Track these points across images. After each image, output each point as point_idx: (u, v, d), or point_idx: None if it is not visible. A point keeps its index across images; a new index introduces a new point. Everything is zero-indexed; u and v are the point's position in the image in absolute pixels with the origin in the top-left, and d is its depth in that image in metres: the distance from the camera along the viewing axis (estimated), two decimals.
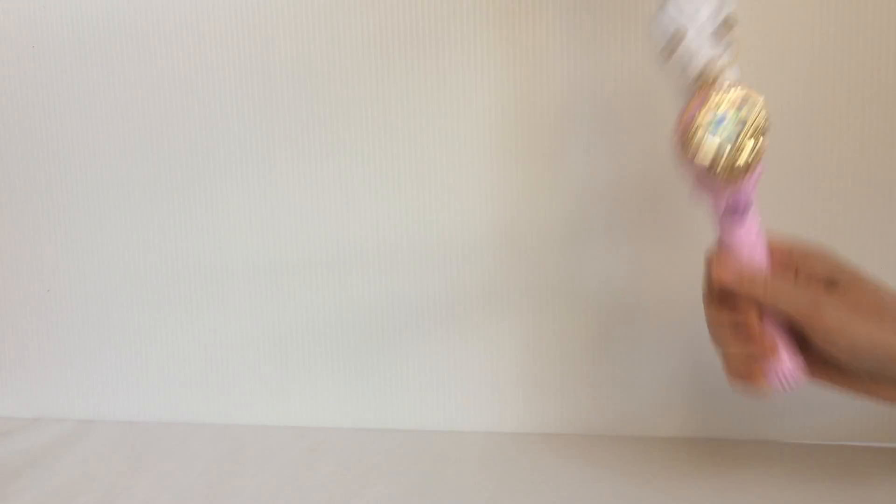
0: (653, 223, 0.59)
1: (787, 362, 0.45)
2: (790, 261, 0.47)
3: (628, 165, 0.59)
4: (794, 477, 0.47)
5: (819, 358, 0.45)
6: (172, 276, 0.65)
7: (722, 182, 0.43)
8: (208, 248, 0.64)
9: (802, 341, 0.45)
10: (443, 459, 0.59)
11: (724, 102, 0.41)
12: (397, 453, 0.60)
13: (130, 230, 0.65)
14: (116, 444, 0.64)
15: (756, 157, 0.42)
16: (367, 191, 0.62)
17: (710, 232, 0.60)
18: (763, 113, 0.41)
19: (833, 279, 0.46)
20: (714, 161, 0.41)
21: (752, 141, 0.41)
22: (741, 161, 0.41)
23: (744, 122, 0.41)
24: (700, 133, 0.41)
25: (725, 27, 0.41)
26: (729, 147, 0.41)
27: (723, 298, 0.46)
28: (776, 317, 0.45)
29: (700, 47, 0.41)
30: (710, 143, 0.41)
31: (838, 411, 0.60)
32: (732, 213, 0.45)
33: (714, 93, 0.41)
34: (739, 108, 0.41)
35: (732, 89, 0.41)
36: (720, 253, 0.47)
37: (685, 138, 0.42)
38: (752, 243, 0.46)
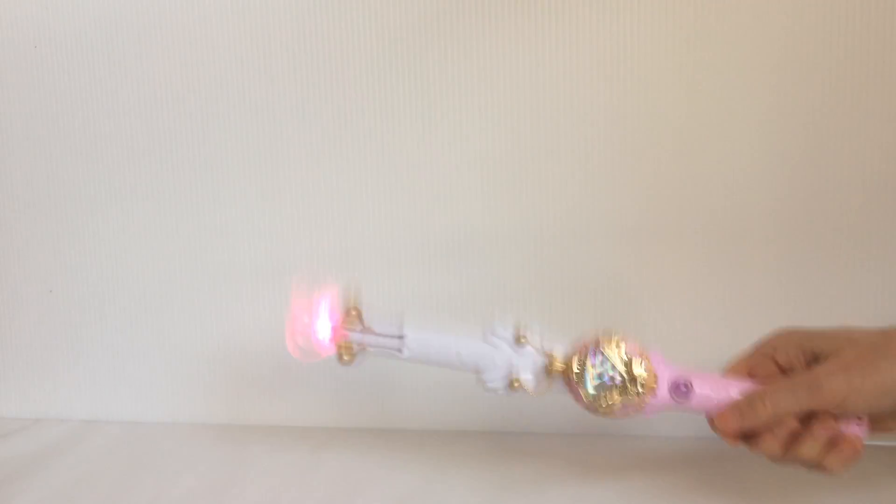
0: (653, 223, 0.60)
1: (858, 430, 0.45)
2: (768, 365, 0.47)
3: (629, 165, 0.59)
4: (795, 476, 0.47)
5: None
6: (173, 277, 0.65)
7: (631, 413, 0.46)
8: (209, 248, 0.65)
9: None
10: (443, 459, 0.59)
11: (590, 377, 0.46)
12: (397, 453, 0.61)
13: (131, 231, 0.65)
14: (118, 445, 0.64)
15: (630, 399, 0.45)
16: (368, 192, 0.62)
17: (712, 231, 0.60)
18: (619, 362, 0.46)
19: (813, 352, 0.45)
20: (605, 409, 0.46)
21: (619, 394, 0.46)
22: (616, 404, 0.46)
23: (612, 378, 0.46)
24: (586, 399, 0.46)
25: (519, 339, 0.47)
26: (603, 397, 0.46)
27: (753, 437, 0.45)
28: (797, 415, 0.44)
29: (528, 363, 0.47)
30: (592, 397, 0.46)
31: None
32: (681, 397, 0.46)
33: (574, 375, 0.46)
34: (602, 376, 0.46)
35: (581, 363, 0.46)
36: (707, 417, 0.46)
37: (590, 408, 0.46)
38: (719, 388, 0.46)
